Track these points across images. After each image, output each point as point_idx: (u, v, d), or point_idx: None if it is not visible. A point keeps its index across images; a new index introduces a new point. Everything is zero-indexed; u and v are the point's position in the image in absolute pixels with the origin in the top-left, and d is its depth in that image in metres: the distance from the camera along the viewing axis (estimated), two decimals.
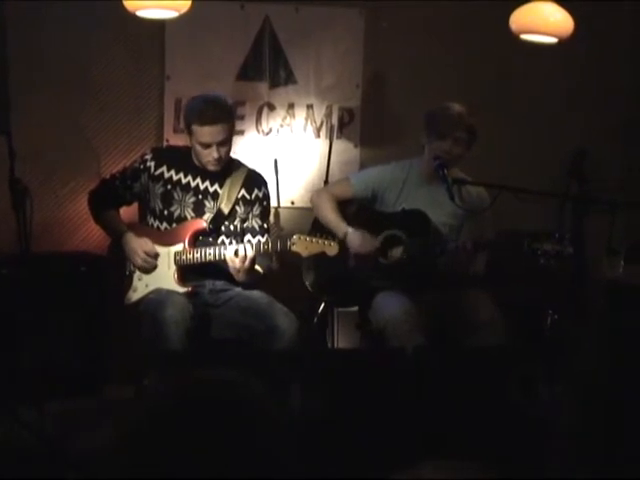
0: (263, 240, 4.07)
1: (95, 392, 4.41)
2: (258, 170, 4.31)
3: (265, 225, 4.22)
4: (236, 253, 3.88)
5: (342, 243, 4.00)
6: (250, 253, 3.87)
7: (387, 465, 1.44)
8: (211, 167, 4.04)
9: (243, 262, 3.88)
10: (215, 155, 3.97)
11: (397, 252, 4.18)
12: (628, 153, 5.51)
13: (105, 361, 4.48)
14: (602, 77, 5.43)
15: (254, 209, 4.18)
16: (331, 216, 4.29)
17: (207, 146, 3.96)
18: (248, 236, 4.15)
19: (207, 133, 3.93)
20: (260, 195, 4.20)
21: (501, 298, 4.22)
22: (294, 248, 3.82)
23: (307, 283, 4.36)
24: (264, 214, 4.22)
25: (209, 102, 3.98)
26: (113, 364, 4.46)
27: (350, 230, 4.17)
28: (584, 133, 5.34)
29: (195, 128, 3.95)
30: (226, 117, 3.98)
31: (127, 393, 4.18)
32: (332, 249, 3.82)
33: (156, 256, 4.06)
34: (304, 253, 3.83)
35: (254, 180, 4.21)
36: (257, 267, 4.07)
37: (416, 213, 4.19)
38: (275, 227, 4.86)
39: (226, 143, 4.00)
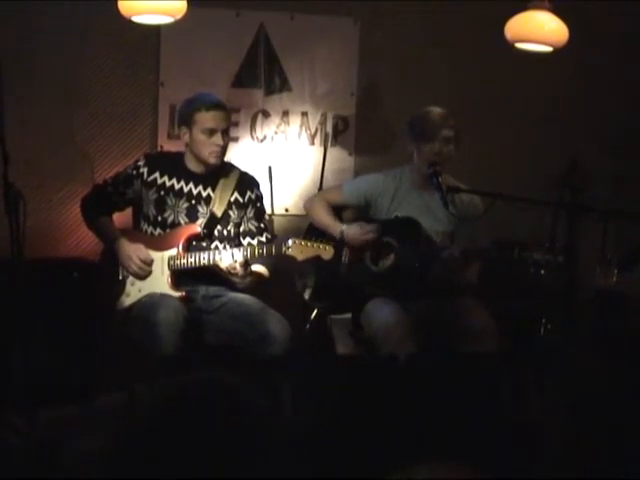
0: (263, 239, 4.10)
1: (88, 399, 4.39)
2: (250, 172, 4.32)
3: (262, 225, 4.22)
4: (234, 259, 3.89)
5: (337, 247, 4.00)
6: (239, 257, 3.88)
7: (382, 468, 1.44)
8: (213, 159, 4.03)
9: (239, 267, 3.89)
10: (220, 142, 3.98)
11: (389, 260, 4.18)
12: (618, 163, 5.52)
13: (98, 367, 4.46)
14: (593, 88, 5.45)
15: (248, 212, 4.19)
16: (325, 218, 4.31)
17: (212, 132, 3.97)
18: (247, 239, 4.16)
19: (212, 117, 3.97)
20: (253, 197, 4.20)
21: (494, 307, 4.22)
22: (289, 252, 3.82)
23: (300, 290, 4.36)
24: (259, 215, 4.23)
25: (208, 93, 4.12)
26: (106, 370, 4.44)
27: (345, 226, 4.21)
28: (575, 143, 5.35)
29: (199, 116, 3.97)
30: (226, 107, 4.07)
31: (120, 399, 4.17)
32: (327, 253, 3.82)
33: (151, 263, 4.05)
34: (299, 257, 3.83)
35: (246, 183, 4.22)
36: (262, 269, 4.08)
37: (408, 220, 4.20)
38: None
39: (227, 133, 4.05)
